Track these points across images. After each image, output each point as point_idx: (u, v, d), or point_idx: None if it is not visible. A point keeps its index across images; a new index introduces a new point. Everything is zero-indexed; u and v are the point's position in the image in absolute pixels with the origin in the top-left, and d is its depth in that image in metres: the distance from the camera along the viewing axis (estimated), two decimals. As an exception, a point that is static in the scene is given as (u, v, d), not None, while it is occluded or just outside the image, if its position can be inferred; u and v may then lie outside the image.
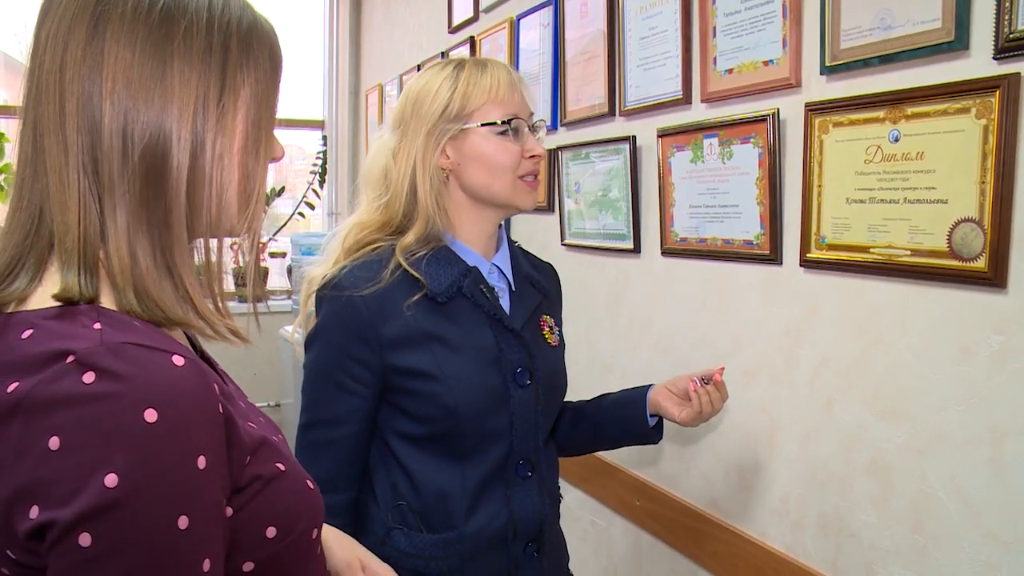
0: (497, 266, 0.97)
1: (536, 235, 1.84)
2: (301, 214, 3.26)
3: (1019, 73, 0.83)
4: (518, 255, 1.01)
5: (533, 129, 0.93)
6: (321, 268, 0.92)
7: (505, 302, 0.95)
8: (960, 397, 0.91)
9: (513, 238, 1.07)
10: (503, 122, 0.89)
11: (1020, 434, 0.85)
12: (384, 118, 2.70)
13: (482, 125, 0.89)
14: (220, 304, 0.56)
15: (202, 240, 0.56)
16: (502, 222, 0.99)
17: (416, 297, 0.87)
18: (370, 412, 0.91)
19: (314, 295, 0.91)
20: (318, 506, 0.59)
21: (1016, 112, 0.83)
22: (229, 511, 0.50)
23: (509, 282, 0.97)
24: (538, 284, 0.99)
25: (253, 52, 0.56)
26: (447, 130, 0.89)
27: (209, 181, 0.53)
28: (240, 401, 0.60)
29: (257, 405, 0.65)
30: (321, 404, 0.91)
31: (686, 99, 1.32)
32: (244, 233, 0.57)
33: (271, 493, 0.53)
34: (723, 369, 0.99)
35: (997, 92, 0.84)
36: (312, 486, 0.59)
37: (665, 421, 1.04)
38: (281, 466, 0.55)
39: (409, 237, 0.90)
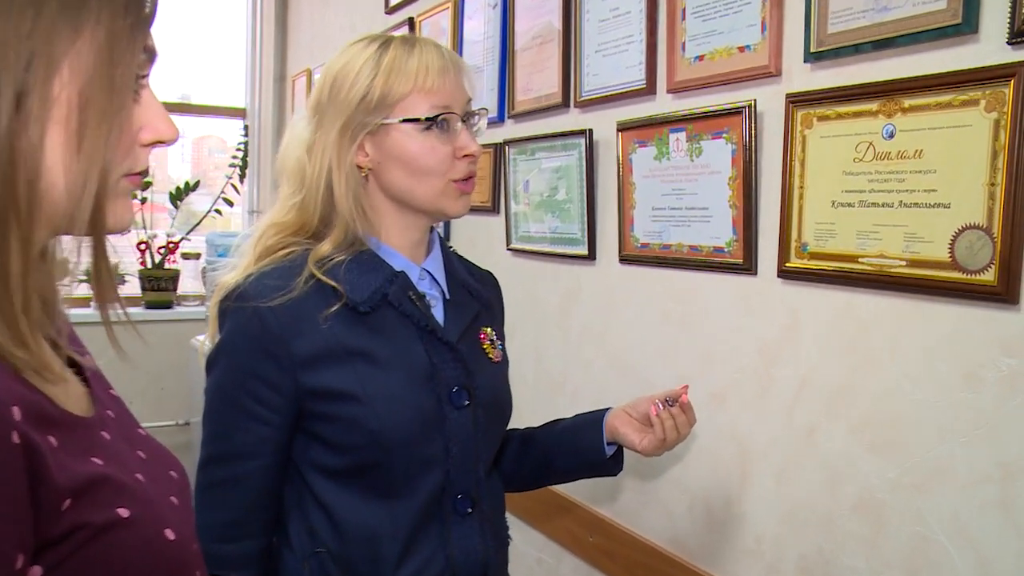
0: (428, 272, 0.90)
1: (478, 239, 1.75)
2: (218, 211, 3.06)
3: (1038, 60, 0.77)
4: (453, 260, 0.95)
5: (468, 121, 0.86)
6: (233, 275, 0.85)
7: (439, 312, 0.89)
8: (964, 428, 0.85)
9: (452, 243, 1.03)
10: (428, 119, 0.82)
11: (1037, 471, 0.79)
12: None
13: (404, 121, 0.82)
14: (23, 325, 0.45)
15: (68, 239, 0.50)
16: (434, 225, 0.94)
17: (334, 308, 0.81)
18: (282, 443, 0.84)
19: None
20: (182, 561, 0.50)
21: (1034, 104, 0.77)
22: (37, 572, 0.42)
23: (443, 289, 0.90)
24: (476, 293, 0.94)
25: (88, 8, 0.45)
26: (365, 124, 0.82)
27: (7, 168, 0.43)
28: (104, 431, 0.52)
29: (163, 424, 0.53)
30: (224, 435, 0.83)
31: (650, 89, 1.25)
32: (85, 232, 0.48)
33: (104, 545, 0.45)
34: (687, 388, 0.93)
35: (1012, 82, 0.77)
36: (173, 537, 0.50)
37: (626, 450, 0.98)
38: (124, 512, 0.47)
39: (325, 246, 0.83)
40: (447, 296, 0.90)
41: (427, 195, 0.84)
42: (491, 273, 1.03)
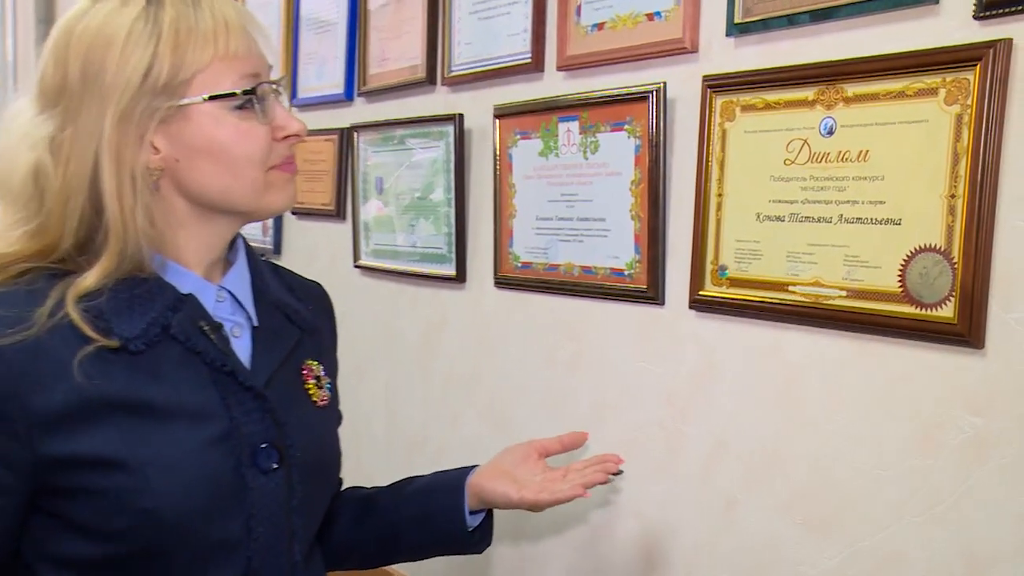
0: (229, 291, 0.84)
1: (318, 252, 1.72)
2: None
3: (1011, 40, 0.75)
4: (264, 273, 0.90)
5: (277, 93, 0.84)
6: None
7: (244, 344, 0.85)
8: (920, 504, 0.83)
9: (283, 259, 1.03)
10: (244, 92, 0.79)
11: (1011, 560, 0.76)
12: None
13: (210, 98, 0.78)
14: None
15: None
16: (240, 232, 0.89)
17: (94, 347, 0.76)
18: (8, 531, 0.78)
19: None
20: None
21: (1004, 95, 0.75)
22: None
23: (249, 314, 0.85)
24: (296, 315, 0.90)
25: None
26: (153, 110, 0.78)
27: None
28: None
29: None
30: None
31: (536, 65, 1.23)
32: None
33: None
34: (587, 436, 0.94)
35: (978, 67, 0.77)
36: None
37: (496, 522, 0.97)
38: None
39: (89, 279, 0.77)
40: (255, 323, 0.85)
41: (248, 193, 0.81)
42: (318, 284, 0.99)
